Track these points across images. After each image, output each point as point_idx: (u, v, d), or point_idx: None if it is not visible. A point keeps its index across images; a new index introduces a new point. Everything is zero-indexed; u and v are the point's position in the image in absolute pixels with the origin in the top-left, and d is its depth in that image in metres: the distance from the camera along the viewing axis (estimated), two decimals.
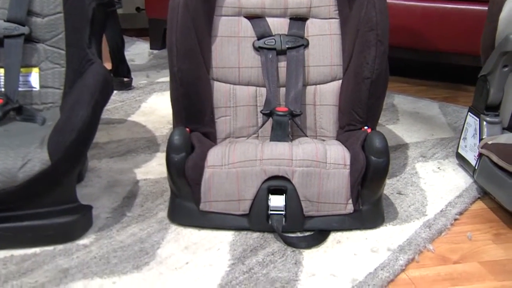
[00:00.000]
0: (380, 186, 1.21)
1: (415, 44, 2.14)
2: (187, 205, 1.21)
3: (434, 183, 1.43)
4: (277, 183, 1.19)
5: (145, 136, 1.67)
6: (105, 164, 1.48)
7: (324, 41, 1.43)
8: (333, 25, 1.43)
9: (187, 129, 1.29)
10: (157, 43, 2.70)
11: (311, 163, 1.19)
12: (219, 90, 1.40)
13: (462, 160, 1.50)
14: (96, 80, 1.14)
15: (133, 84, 2.08)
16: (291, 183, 1.18)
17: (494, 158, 1.30)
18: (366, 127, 1.33)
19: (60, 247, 1.12)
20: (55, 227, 1.12)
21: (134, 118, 1.81)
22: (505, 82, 1.38)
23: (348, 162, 1.20)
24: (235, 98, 1.41)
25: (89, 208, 1.19)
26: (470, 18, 2.04)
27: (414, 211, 1.30)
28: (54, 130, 1.11)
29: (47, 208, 1.11)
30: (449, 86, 2.22)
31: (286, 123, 1.33)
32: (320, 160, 1.20)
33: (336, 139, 1.36)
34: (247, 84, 1.42)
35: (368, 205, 1.21)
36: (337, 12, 1.43)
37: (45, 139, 1.13)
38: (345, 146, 1.25)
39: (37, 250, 1.11)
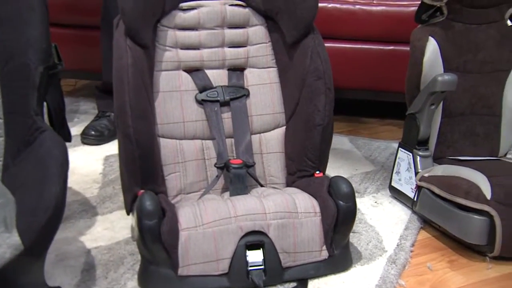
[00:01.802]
0: (350, 229, 1.25)
1: None
2: (163, 271, 1.16)
3: (379, 218, 1.51)
4: (254, 238, 1.18)
5: (76, 199, 1.57)
6: None
7: (265, 90, 1.46)
8: (272, 74, 1.47)
9: (142, 191, 1.24)
10: None
11: (284, 214, 1.20)
12: (166, 146, 1.37)
13: (396, 193, 1.60)
14: (60, 151, 1.06)
15: None
16: (268, 236, 1.18)
17: (436, 190, 1.40)
18: (317, 172, 1.38)
19: None
20: None
21: None
22: (432, 119, 1.51)
23: (318, 209, 1.23)
24: (183, 153, 1.38)
25: None
26: (364, 56, 2.18)
27: (374, 248, 1.35)
28: (22, 211, 1.01)
29: None
30: (348, 119, 2.36)
31: (244, 176, 1.33)
32: (292, 211, 1.21)
33: (292, 186, 1.38)
34: (193, 138, 1.40)
35: (339, 249, 1.25)
36: (275, 61, 1.47)
37: (8, 221, 1.01)
38: (309, 193, 1.28)
39: None
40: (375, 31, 2.13)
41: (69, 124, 2.16)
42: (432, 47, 1.50)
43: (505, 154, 1.64)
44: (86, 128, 2.01)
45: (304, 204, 1.23)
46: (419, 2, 2.02)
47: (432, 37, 1.51)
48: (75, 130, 2.09)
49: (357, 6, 2.11)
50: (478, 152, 1.60)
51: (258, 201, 1.21)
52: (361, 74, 2.20)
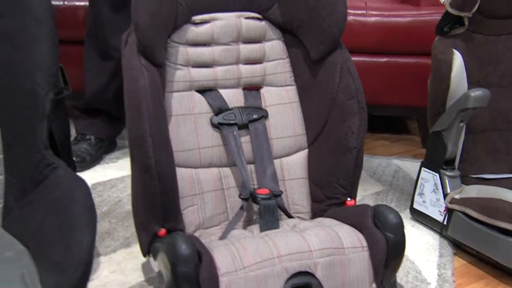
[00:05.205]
0: (400, 263, 1.13)
1: None
2: None
3: (407, 244, 1.40)
4: (301, 280, 1.04)
5: None
6: None
7: (284, 110, 1.33)
8: (291, 93, 1.34)
9: (164, 230, 1.10)
10: None
11: (331, 251, 1.07)
12: (182, 177, 1.21)
13: (420, 216, 1.50)
14: (84, 193, 0.90)
15: None
16: (315, 277, 1.05)
17: (473, 214, 1.31)
18: (349, 199, 1.26)
19: None
20: None
21: None
22: (460, 137, 1.42)
23: (364, 243, 1.11)
24: (200, 184, 1.24)
25: None
26: (358, 69, 2.08)
27: (414, 279, 1.25)
28: (45, 266, 0.84)
29: None
30: None
31: (274, 207, 1.20)
32: (338, 246, 1.09)
33: (323, 216, 1.26)
34: (209, 166, 1.26)
35: (389, 286, 1.13)
36: (293, 78, 1.34)
37: (28, 279, 0.84)
38: (349, 225, 1.16)
39: None
40: (369, 43, 2.04)
41: None
42: (458, 60, 1.41)
43: None
44: None
45: (349, 238, 1.11)
46: (416, 13, 1.99)
47: (456, 49, 1.43)
48: None
49: (351, 17, 2.01)
50: (499, 168, 1.52)
51: (301, 237, 1.08)
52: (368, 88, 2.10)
